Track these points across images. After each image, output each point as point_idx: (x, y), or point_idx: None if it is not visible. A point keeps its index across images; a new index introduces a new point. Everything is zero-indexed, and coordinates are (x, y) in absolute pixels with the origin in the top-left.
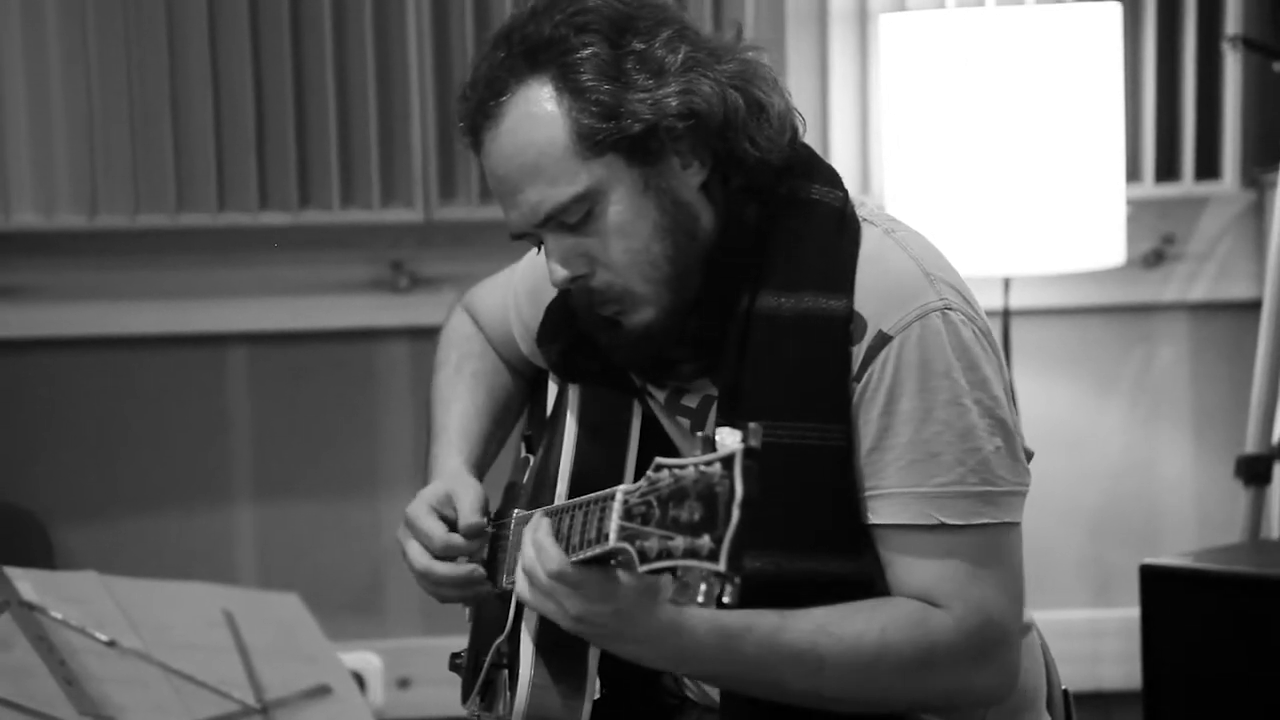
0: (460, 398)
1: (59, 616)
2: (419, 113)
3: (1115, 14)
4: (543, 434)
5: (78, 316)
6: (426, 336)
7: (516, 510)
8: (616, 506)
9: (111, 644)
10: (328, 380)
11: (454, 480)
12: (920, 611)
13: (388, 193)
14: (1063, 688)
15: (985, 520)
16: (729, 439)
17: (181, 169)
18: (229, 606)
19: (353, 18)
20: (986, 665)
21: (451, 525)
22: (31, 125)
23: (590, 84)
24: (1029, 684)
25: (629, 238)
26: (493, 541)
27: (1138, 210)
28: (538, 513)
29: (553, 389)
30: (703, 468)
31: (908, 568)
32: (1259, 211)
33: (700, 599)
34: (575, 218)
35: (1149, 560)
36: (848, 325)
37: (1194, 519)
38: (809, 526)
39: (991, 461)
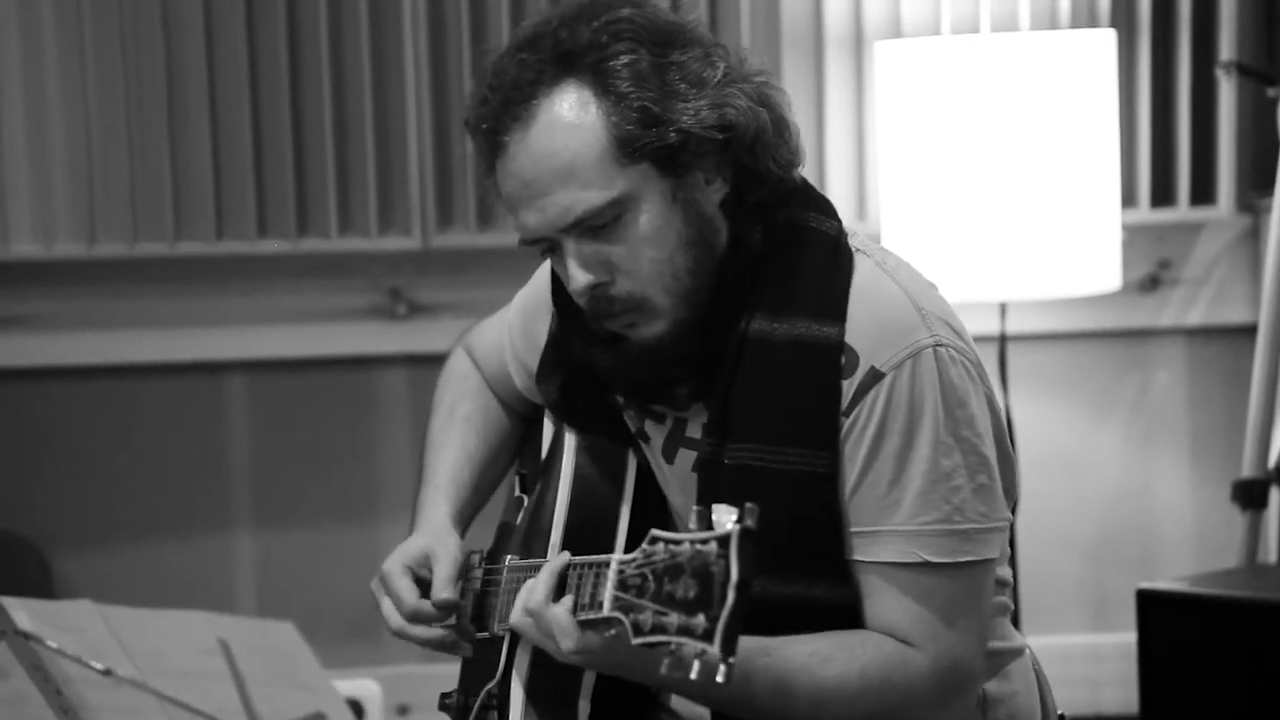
0: (451, 443)
1: (55, 645)
2: (416, 141)
3: (1110, 40)
4: (537, 475)
5: (76, 345)
6: (425, 364)
7: (509, 557)
8: (611, 576)
9: (107, 673)
10: (326, 407)
11: (435, 538)
12: (900, 654)
13: (386, 220)
14: (1059, 713)
15: (968, 558)
16: (725, 518)
17: (180, 198)
18: (224, 635)
19: (350, 47)
20: (949, 708)
21: (425, 586)
22: (30, 155)
23: (632, 90)
24: (1023, 709)
25: (656, 247)
26: (484, 585)
27: (1133, 235)
28: (544, 570)
29: (548, 428)
30: (698, 545)
31: (886, 604)
32: (1254, 236)
33: (694, 675)
34: (603, 223)
35: (1146, 585)
36: (839, 354)
37: (1191, 543)
38: (795, 552)
39: (975, 499)
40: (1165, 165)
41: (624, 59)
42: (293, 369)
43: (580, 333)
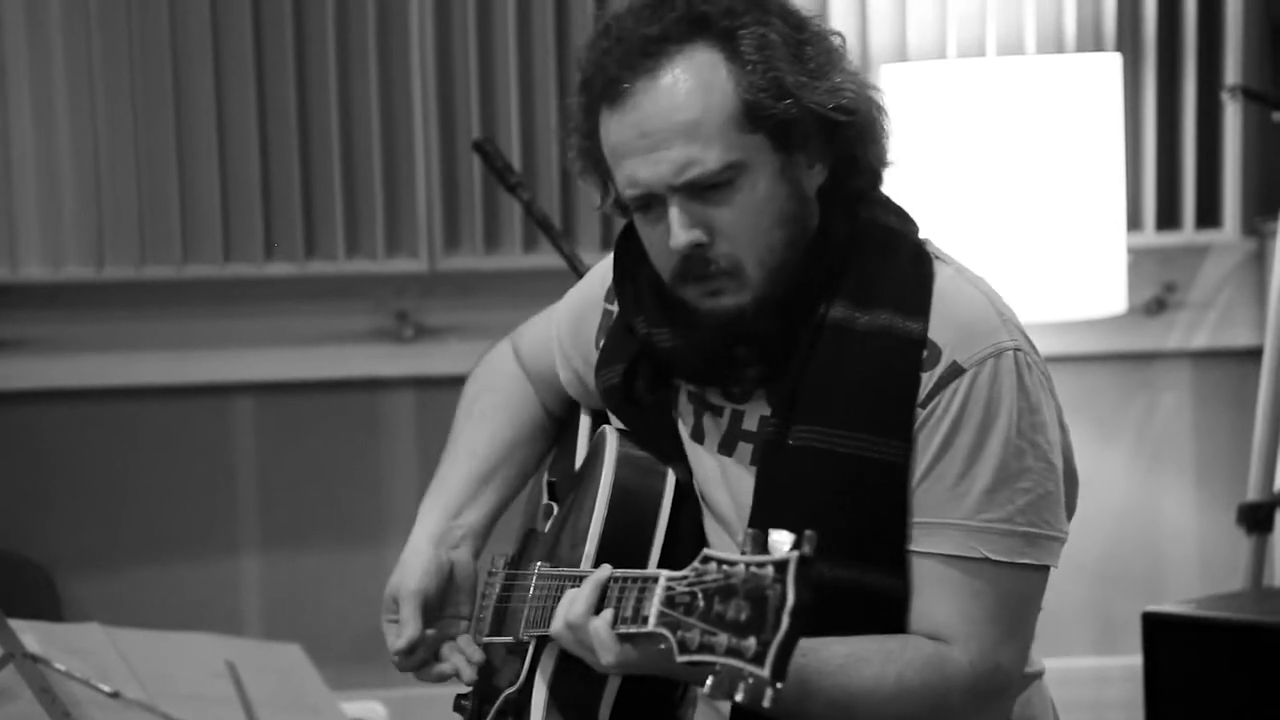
0: (459, 454)
1: (63, 668)
2: (424, 163)
3: (1116, 64)
4: (569, 487)
5: (84, 368)
6: (431, 386)
7: (539, 564)
8: (658, 592)
9: (115, 695)
10: (333, 430)
11: (401, 575)
12: (939, 657)
13: (393, 243)
14: None
15: (1026, 561)
16: (783, 542)
17: (187, 221)
18: (232, 657)
19: (358, 69)
20: (984, 712)
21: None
22: (39, 178)
23: (763, 61)
24: None
25: (759, 216)
26: (507, 590)
27: (1139, 258)
28: (587, 584)
29: (583, 440)
30: (754, 568)
31: (936, 598)
32: (1259, 260)
33: (740, 698)
34: (714, 184)
35: (1152, 608)
36: (921, 347)
37: (1196, 566)
38: (856, 537)
39: (1041, 505)
40: (1170, 188)
41: (759, 30)
42: (300, 391)
43: (647, 312)
